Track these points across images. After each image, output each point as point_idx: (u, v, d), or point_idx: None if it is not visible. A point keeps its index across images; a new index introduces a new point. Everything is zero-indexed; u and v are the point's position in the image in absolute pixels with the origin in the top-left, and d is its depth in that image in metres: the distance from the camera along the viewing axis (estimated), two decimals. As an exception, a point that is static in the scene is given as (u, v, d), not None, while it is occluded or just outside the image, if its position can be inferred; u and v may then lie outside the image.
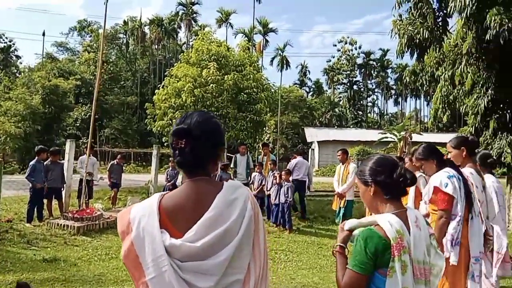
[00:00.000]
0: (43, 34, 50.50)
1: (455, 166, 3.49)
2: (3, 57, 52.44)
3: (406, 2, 8.63)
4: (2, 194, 8.84)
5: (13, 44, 54.34)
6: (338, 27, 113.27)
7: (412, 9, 8.66)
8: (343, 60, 60.00)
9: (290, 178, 9.42)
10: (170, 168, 12.29)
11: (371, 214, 6.44)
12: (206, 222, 1.40)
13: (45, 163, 9.21)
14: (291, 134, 40.51)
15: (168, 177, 12.09)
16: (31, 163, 9.10)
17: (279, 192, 9.25)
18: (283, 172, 9.38)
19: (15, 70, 51.80)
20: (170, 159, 12.72)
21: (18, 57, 56.70)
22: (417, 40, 8.49)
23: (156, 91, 13.99)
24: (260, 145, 13.52)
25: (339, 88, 63.22)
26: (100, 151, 32.18)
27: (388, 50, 57.92)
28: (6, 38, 53.71)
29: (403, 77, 13.53)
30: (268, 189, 9.78)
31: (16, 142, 25.54)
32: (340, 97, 61.86)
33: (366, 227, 1.85)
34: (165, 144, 14.76)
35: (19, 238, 7.33)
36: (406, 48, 8.74)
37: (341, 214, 8.54)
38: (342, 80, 60.63)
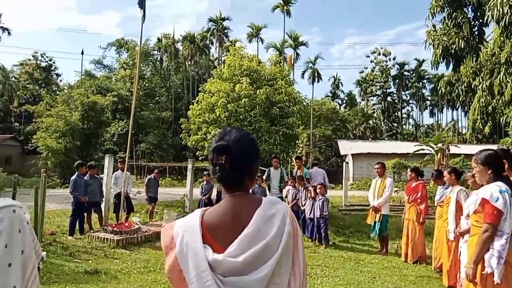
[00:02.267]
0: (82, 53, 53.04)
1: (509, 182, 3.34)
2: (44, 75, 55.03)
3: (440, 12, 8.50)
4: (46, 208, 9.20)
5: (54, 63, 57.03)
6: (369, 39, 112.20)
7: (446, 19, 8.53)
8: (376, 71, 59.25)
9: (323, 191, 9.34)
10: (205, 182, 12.42)
11: (407, 229, 6.23)
12: (246, 237, 1.43)
13: (84, 177, 9.54)
14: (324, 147, 40.16)
15: (203, 190, 12.22)
16: (72, 177, 9.43)
17: (313, 206, 9.19)
18: (317, 186, 9.30)
19: (55, 88, 54.17)
20: (205, 173, 12.85)
21: (58, 75, 59.51)
22: (453, 50, 8.33)
23: (191, 106, 14.25)
24: (293, 159, 13.48)
25: (372, 100, 62.39)
26: (136, 165, 32.97)
27: (423, 61, 56.82)
28: (47, 57, 56.48)
29: (439, 88, 13.27)
30: (303, 203, 9.73)
31: (57, 157, 26.42)
32: (374, 108, 60.96)
33: None
34: (200, 158, 14.96)
35: (62, 251, 7.59)
36: (441, 59, 8.59)
37: (376, 229, 8.39)
38: (376, 91, 59.81)
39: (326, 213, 9.07)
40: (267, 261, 1.42)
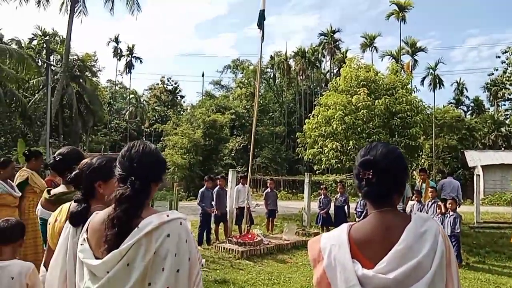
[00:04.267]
0: (203, 75, 56.81)
1: None
2: (171, 97, 60.45)
3: None
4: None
5: (178, 85, 62.37)
6: (495, 38, 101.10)
7: None
8: (509, 73, 53.07)
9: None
10: (323, 196, 12.36)
11: None
12: (397, 254, 1.39)
13: (215, 190, 10.20)
14: (449, 159, 37.09)
15: (321, 204, 12.16)
16: (201, 190, 10.16)
17: (443, 222, 8.52)
18: (448, 201, 8.63)
19: (180, 108, 59.10)
20: (322, 187, 12.80)
21: (182, 96, 64.82)
22: None
23: (306, 120, 14.37)
24: (416, 172, 12.73)
25: (504, 105, 55.90)
26: (253, 178, 34.18)
27: None
28: (173, 81, 62.04)
29: None
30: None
31: (182, 172, 28.70)
32: (507, 114, 54.51)
33: None
34: (316, 172, 14.96)
35: (193, 260, 8.15)
36: None
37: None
38: (508, 95, 53.53)
39: (458, 231, 8.35)
40: (419, 280, 1.38)
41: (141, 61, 56.81)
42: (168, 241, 1.54)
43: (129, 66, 55.54)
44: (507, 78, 53.00)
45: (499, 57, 55.25)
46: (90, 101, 33.82)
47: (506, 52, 54.23)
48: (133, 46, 55.92)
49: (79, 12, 28.42)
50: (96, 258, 1.58)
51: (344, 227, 1.55)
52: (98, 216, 1.67)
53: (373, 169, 1.51)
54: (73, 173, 2.22)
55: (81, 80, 34.28)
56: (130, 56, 55.80)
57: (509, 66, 53.38)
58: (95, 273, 1.56)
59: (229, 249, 8.88)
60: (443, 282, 1.42)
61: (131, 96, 57.47)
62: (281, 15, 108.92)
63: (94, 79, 37.29)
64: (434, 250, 1.41)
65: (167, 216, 1.60)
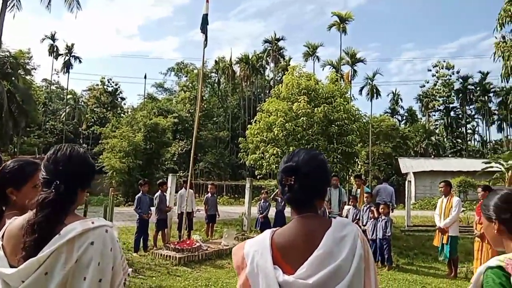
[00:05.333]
0: (145, 77, 55.50)
1: None
2: (111, 99, 58.37)
3: (510, 22, 8.08)
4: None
5: (119, 87, 60.36)
6: (428, 53, 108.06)
7: (517, 29, 8.07)
8: (439, 85, 56.78)
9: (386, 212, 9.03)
10: (262, 201, 12.46)
11: (480, 252, 5.86)
12: (316, 259, 1.41)
13: (157, 194, 9.97)
14: (384, 165, 38.91)
15: (260, 209, 12.25)
16: (137, 196, 9.86)
17: (375, 226, 8.90)
18: (381, 206, 9.02)
19: (120, 111, 57.23)
20: (262, 191, 12.91)
21: (122, 98, 62.71)
22: (525, 62, 7.85)
23: (249, 126, 14.46)
24: (352, 178, 13.20)
25: (434, 115, 59.70)
26: (196, 183, 33.82)
27: (488, 73, 53.70)
28: (113, 82, 59.97)
29: (508, 102, 12.43)
30: (364, 223, 9.44)
31: (121, 176, 27.75)
32: (436, 124, 58.27)
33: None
34: (258, 177, 15.07)
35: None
36: (512, 71, 8.11)
37: (446, 251, 7.94)
38: (438, 106, 57.22)
39: (389, 234, 8.76)
40: (338, 283, 1.40)
41: (80, 61, 54.29)
42: (92, 249, 1.47)
43: (67, 66, 52.88)
44: (437, 90, 56.72)
45: (430, 70, 59.10)
46: (22, 101, 31.72)
47: (436, 66, 58.11)
48: (72, 45, 53.38)
49: (12, 6, 26.65)
50: (11, 266, 1.47)
51: (267, 233, 1.55)
52: (16, 222, 1.56)
53: (295, 175, 1.53)
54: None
55: (13, 78, 32.12)
56: (68, 55, 53.20)
57: (439, 79, 57.16)
58: (9, 282, 1.46)
59: (166, 255, 8.69)
60: (361, 285, 1.45)
61: (69, 96, 54.78)
62: (227, 21, 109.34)
63: (28, 77, 35.02)
64: (353, 253, 1.44)
65: (92, 223, 1.53)
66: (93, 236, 1.49)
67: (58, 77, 62.44)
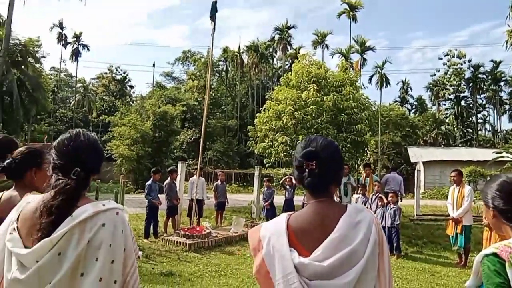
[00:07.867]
0: (153, 65, 55.68)
1: None
2: (119, 87, 58.61)
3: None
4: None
5: (127, 75, 60.55)
6: (439, 41, 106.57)
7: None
8: (449, 74, 56.03)
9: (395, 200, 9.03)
10: (266, 188, 12.43)
11: (488, 241, 5.84)
12: (332, 242, 1.44)
13: (166, 182, 10.07)
14: (393, 155, 38.72)
15: (264, 197, 12.27)
16: (147, 183, 9.97)
17: (384, 215, 8.91)
18: (390, 194, 9.03)
19: (129, 99, 57.46)
20: (265, 179, 12.88)
21: (131, 87, 63.03)
22: (539, 50, 7.71)
23: (257, 114, 14.41)
24: (361, 167, 13.15)
25: (444, 104, 59.10)
26: (204, 172, 34.00)
27: (500, 62, 52.84)
28: (122, 70, 60.14)
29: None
30: (373, 212, 9.44)
31: (130, 164, 27.90)
32: (447, 113, 57.69)
33: None
34: (266, 165, 15.12)
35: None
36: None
37: (461, 241, 7.93)
38: (448, 95, 56.60)
39: (398, 222, 8.76)
40: (353, 267, 1.42)
41: (88, 49, 54.45)
42: (103, 231, 1.50)
43: (75, 54, 53.10)
44: (447, 79, 56.01)
45: (441, 59, 58.28)
46: (33, 89, 31.99)
47: (447, 54, 57.28)
48: (81, 33, 53.55)
49: (22, -6, 26.75)
50: (26, 247, 1.51)
51: (283, 216, 1.58)
52: (31, 205, 1.60)
53: (316, 160, 1.54)
54: (6, 161, 2.11)
55: (23, 67, 32.35)
56: (77, 43, 53.37)
57: (450, 68, 56.41)
58: (24, 262, 1.49)
59: (177, 242, 8.81)
60: (375, 270, 1.48)
61: (79, 85, 55.09)
62: (235, 9, 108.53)
63: (38, 65, 35.21)
64: (368, 238, 1.47)
65: (103, 205, 1.56)
66: (104, 218, 1.53)
67: (65, 65, 62.63)
